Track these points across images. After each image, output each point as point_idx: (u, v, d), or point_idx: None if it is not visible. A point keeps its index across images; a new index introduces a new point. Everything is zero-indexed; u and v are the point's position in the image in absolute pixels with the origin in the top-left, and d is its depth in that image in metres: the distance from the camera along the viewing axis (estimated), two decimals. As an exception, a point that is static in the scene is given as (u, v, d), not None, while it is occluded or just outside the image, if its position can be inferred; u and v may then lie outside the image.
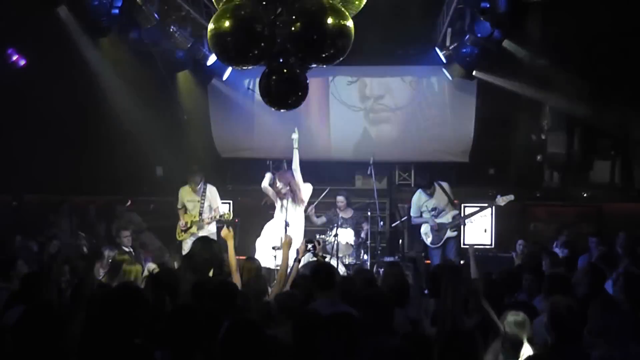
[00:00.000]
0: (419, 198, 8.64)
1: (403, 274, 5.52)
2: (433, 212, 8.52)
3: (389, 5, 8.40)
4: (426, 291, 5.69)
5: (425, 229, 8.65)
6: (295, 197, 8.04)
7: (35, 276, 4.87)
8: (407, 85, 10.86)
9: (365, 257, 9.05)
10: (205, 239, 5.77)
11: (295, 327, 3.60)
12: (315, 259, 6.59)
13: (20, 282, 4.74)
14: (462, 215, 8.69)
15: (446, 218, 8.51)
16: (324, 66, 5.67)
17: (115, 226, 9.94)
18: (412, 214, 8.76)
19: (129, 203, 10.64)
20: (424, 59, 10.16)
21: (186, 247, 8.47)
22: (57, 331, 3.13)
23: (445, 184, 8.59)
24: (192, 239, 8.44)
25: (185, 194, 8.77)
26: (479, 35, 8.25)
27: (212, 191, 8.77)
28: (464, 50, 8.88)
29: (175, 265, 7.67)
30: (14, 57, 9.05)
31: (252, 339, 3.11)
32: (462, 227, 8.69)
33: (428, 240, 8.64)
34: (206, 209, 8.65)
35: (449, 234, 8.49)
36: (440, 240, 8.52)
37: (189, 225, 8.62)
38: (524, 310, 4.11)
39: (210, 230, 8.75)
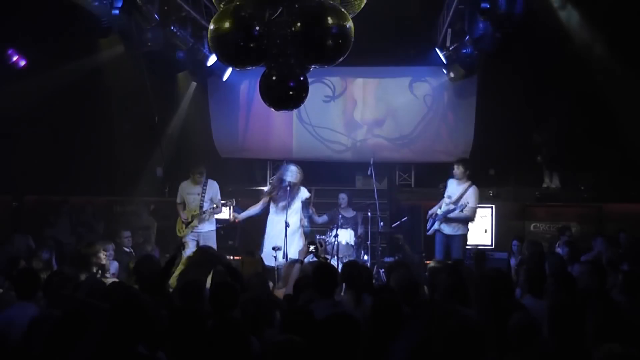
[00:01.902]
0: (450, 182, 8.73)
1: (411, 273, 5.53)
2: (446, 200, 8.59)
3: (389, 6, 8.39)
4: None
5: (430, 211, 8.80)
6: (291, 195, 8.12)
7: (31, 272, 4.89)
8: (407, 85, 10.86)
9: (366, 257, 9.06)
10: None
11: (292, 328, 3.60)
12: (316, 259, 6.59)
13: (17, 278, 4.74)
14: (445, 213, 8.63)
15: (440, 210, 8.59)
16: (324, 66, 5.69)
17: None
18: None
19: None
20: (424, 59, 10.17)
21: (187, 245, 8.45)
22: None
23: (474, 190, 8.46)
24: (193, 234, 8.49)
25: (186, 188, 8.77)
26: (478, 35, 8.24)
27: (213, 185, 8.77)
28: (464, 50, 8.88)
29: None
30: (14, 58, 9.03)
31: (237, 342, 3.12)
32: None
33: (428, 225, 8.81)
34: (207, 202, 8.65)
35: (436, 226, 8.58)
36: (430, 227, 8.69)
37: (190, 219, 8.62)
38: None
39: (210, 226, 8.75)
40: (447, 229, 8.49)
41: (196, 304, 4.11)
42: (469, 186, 8.49)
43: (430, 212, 8.79)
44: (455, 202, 8.42)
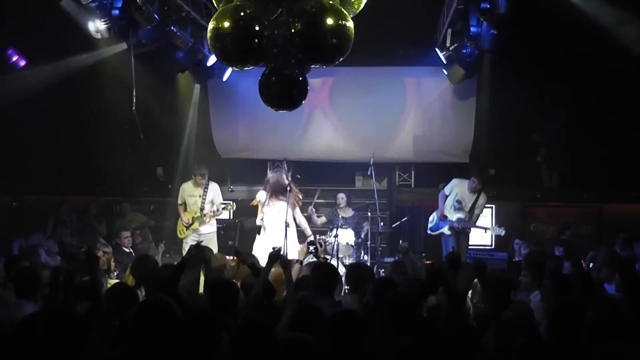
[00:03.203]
0: (460, 185, 8.71)
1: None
2: (455, 205, 8.62)
3: (389, 6, 8.38)
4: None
5: (436, 212, 8.81)
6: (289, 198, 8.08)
7: (31, 271, 4.90)
8: (407, 86, 10.85)
9: (366, 257, 9.05)
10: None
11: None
12: (316, 260, 6.57)
13: (17, 277, 4.75)
14: (464, 223, 8.64)
15: (453, 216, 8.59)
16: (324, 66, 5.69)
17: (117, 225, 9.99)
18: (445, 190, 8.84)
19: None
20: (424, 59, 10.15)
21: (186, 247, 8.45)
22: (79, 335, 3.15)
23: (484, 196, 8.66)
24: (194, 236, 8.48)
25: (187, 189, 8.76)
26: (477, 35, 8.24)
27: (214, 187, 8.78)
28: (464, 50, 8.86)
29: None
30: (14, 58, 9.03)
31: (263, 340, 3.12)
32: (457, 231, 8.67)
33: (430, 225, 8.79)
34: (207, 204, 8.64)
35: (445, 230, 8.62)
36: (437, 229, 8.71)
37: (190, 221, 8.61)
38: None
39: (211, 228, 8.75)
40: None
41: None
42: (480, 193, 8.61)
43: (438, 213, 8.74)
44: (470, 211, 8.54)
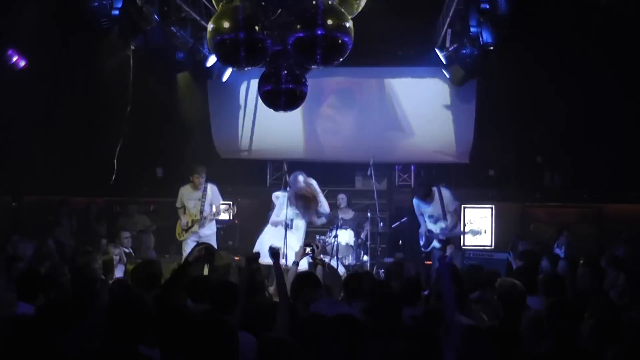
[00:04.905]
0: (417, 205, 8.44)
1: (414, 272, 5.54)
2: (431, 219, 8.31)
3: (389, 6, 8.38)
4: (426, 292, 5.67)
5: (421, 229, 8.53)
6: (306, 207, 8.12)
7: (33, 273, 4.91)
8: (407, 86, 10.86)
9: (365, 258, 9.05)
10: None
11: (297, 329, 3.60)
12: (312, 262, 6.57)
13: (20, 280, 4.76)
14: (448, 232, 8.28)
15: (436, 227, 8.26)
16: (324, 67, 5.70)
17: (120, 223, 9.97)
18: (416, 212, 8.53)
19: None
20: (424, 60, 10.14)
21: (187, 248, 8.45)
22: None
23: (446, 192, 8.24)
24: (193, 238, 8.47)
25: (186, 193, 8.73)
26: (477, 36, 8.24)
27: (213, 189, 8.74)
28: (464, 51, 8.86)
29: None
30: (14, 58, 9.03)
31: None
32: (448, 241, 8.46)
33: (421, 241, 8.54)
34: (207, 207, 8.62)
35: (435, 244, 8.27)
36: (428, 245, 8.36)
37: (190, 224, 8.60)
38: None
39: (210, 230, 8.74)
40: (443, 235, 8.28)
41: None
42: (439, 193, 8.20)
43: (424, 232, 8.42)
44: (443, 213, 8.16)
